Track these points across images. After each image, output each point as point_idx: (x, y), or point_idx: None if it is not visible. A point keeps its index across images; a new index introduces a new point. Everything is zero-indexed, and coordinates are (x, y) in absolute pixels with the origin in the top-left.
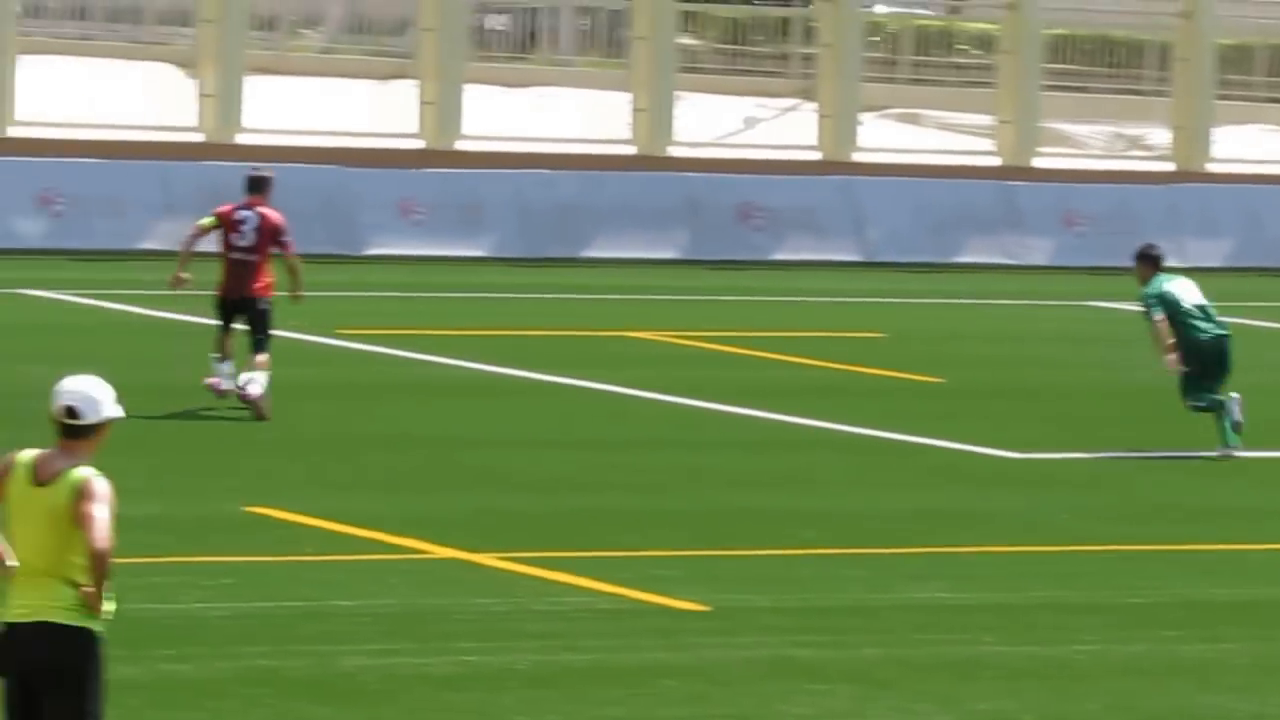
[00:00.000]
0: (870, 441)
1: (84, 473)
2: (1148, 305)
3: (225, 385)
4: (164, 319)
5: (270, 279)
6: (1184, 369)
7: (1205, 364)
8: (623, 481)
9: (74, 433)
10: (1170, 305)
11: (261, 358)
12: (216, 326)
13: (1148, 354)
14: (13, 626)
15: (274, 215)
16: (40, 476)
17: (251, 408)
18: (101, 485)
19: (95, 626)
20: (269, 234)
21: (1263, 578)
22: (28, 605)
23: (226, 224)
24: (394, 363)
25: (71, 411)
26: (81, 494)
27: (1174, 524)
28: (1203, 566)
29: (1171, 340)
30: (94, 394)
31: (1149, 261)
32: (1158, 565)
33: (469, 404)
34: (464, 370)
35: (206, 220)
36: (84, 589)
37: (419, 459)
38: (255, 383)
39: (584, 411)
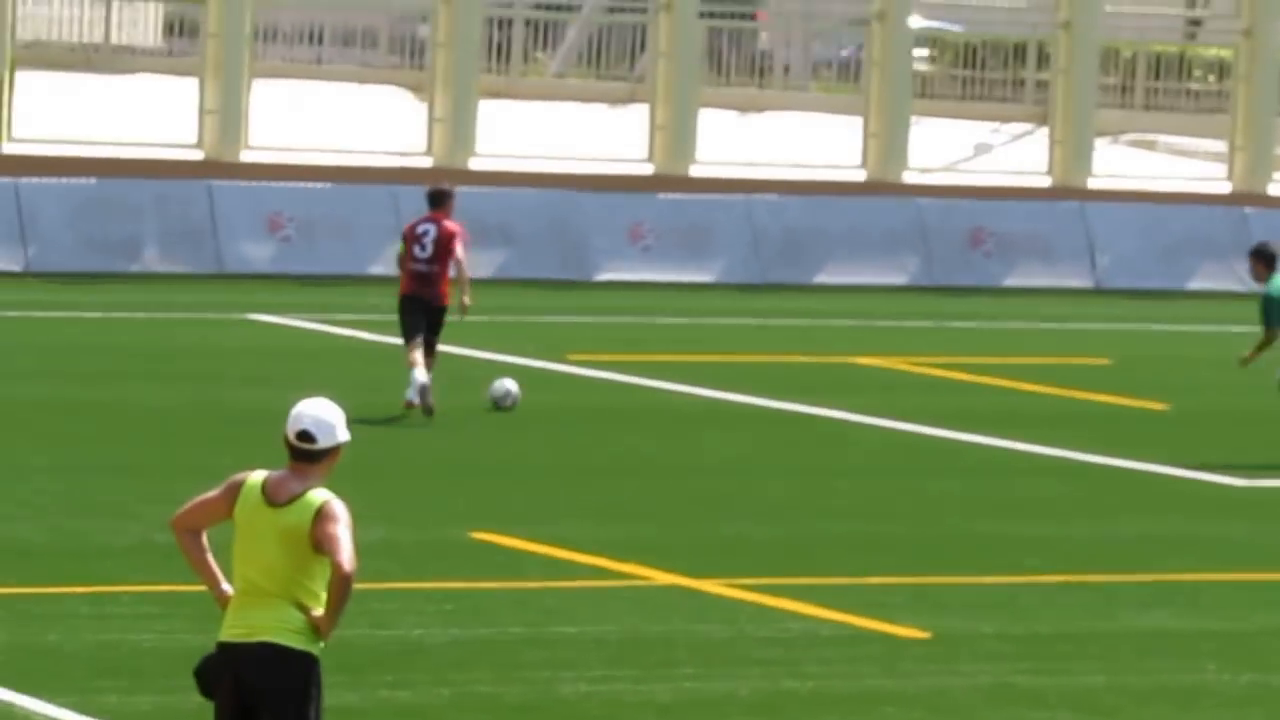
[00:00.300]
0: (1095, 468)
1: (322, 495)
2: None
3: (422, 377)
4: (390, 344)
5: (449, 289)
6: None
7: None
8: (846, 508)
9: (308, 456)
10: None
11: (431, 361)
12: (403, 339)
13: None
14: (230, 646)
15: (450, 226)
16: (275, 498)
17: (425, 409)
18: (341, 508)
19: (316, 651)
20: (446, 244)
21: None
22: (249, 625)
23: (410, 239)
24: (622, 388)
25: (306, 435)
26: (322, 516)
27: None
28: None
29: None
30: (328, 418)
31: (1264, 260)
32: None
33: (695, 430)
34: (691, 396)
35: (401, 247)
36: (314, 614)
37: (643, 485)
38: (423, 388)
39: (809, 437)
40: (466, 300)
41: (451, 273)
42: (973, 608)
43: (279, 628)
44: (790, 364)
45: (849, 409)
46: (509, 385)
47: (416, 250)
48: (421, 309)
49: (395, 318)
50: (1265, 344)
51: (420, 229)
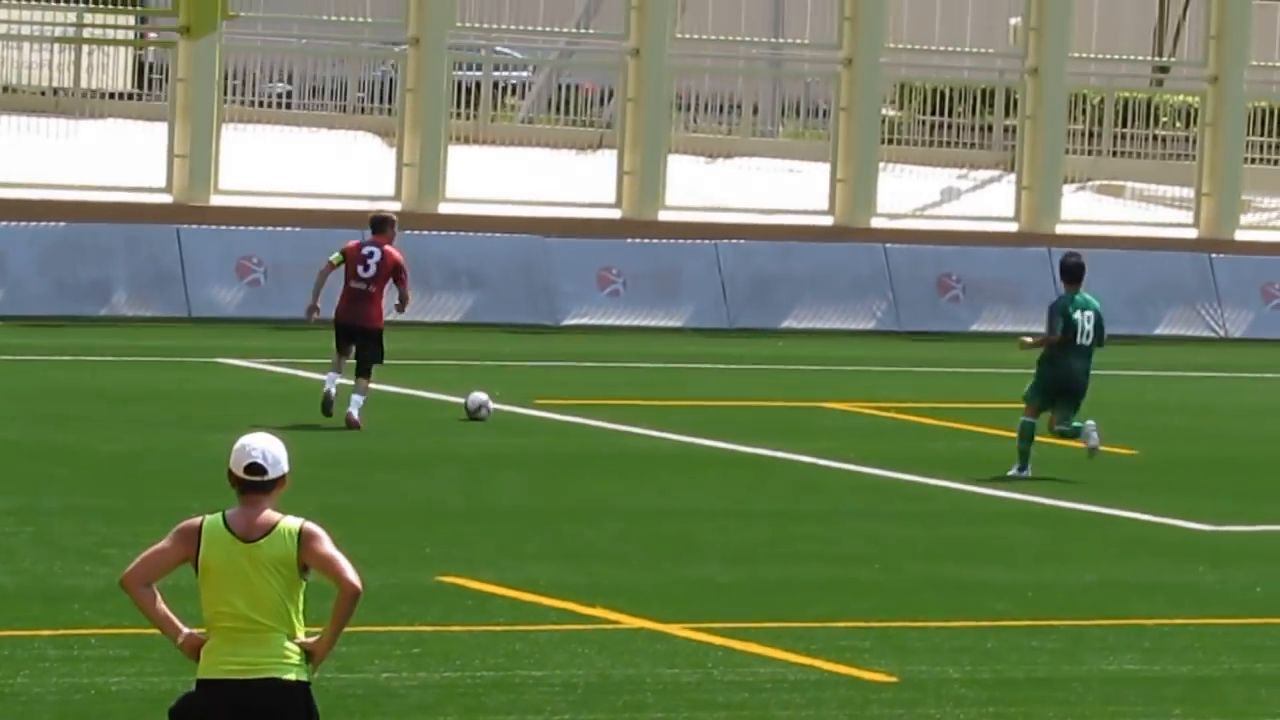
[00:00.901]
0: (1063, 513)
1: (295, 520)
2: None
3: (331, 389)
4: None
5: (383, 310)
6: None
7: None
8: (814, 552)
9: (259, 488)
10: None
11: (365, 382)
12: (335, 349)
13: None
14: (229, 684)
15: (394, 253)
16: (249, 534)
17: (349, 424)
18: (318, 527)
19: (310, 679)
20: (389, 269)
21: None
22: (248, 662)
23: (354, 258)
24: (590, 433)
25: (257, 468)
26: (309, 539)
27: None
28: None
29: None
30: (273, 450)
31: (1064, 273)
32: None
33: (663, 474)
34: (659, 440)
35: (335, 257)
36: (303, 641)
37: (612, 529)
38: (355, 405)
39: (777, 482)
40: (404, 310)
41: (389, 297)
42: (940, 652)
43: (281, 663)
44: (758, 408)
45: (816, 453)
46: (483, 396)
47: (360, 269)
48: (356, 333)
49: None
50: (1045, 341)
51: (366, 250)
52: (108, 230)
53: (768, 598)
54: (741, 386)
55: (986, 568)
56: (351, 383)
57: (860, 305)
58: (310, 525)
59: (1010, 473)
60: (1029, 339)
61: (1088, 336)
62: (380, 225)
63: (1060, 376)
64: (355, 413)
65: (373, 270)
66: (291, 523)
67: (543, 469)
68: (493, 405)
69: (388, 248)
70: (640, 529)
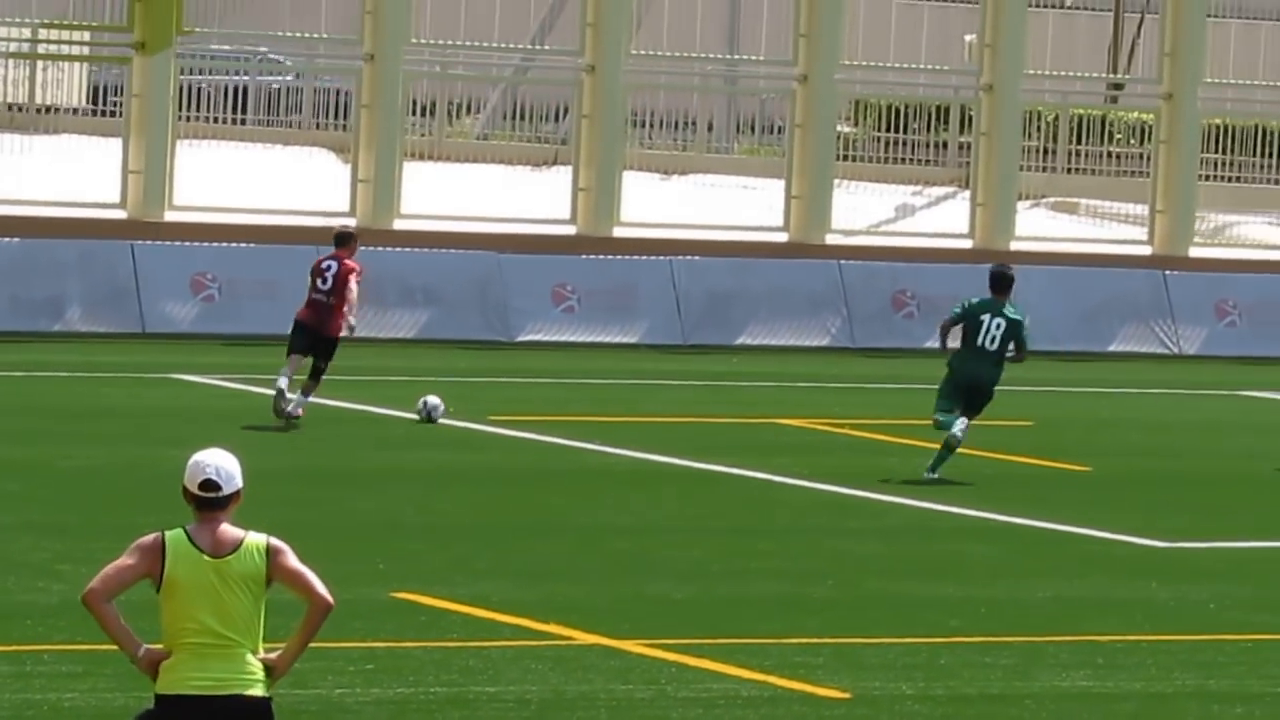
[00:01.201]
0: (1016, 529)
1: (261, 536)
2: None
3: (284, 383)
4: (316, 404)
5: (341, 323)
6: None
7: None
8: (768, 568)
9: (214, 504)
10: None
11: (314, 385)
12: (289, 350)
13: None
14: (197, 699)
15: (350, 263)
16: (216, 551)
17: (289, 422)
18: (283, 542)
19: (270, 693)
20: (344, 281)
21: None
22: (217, 678)
23: (315, 272)
24: (544, 449)
25: (211, 484)
26: (277, 555)
27: None
28: None
29: None
30: (227, 465)
31: (992, 282)
32: None
33: (618, 491)
34: (614, 457)
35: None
36: (265, 656)
37: (566, 545)
38: (299, 405)
39: (732, 498)
40: (352, 320)
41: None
42: (894, 668)
43: (248, 679)
44: (712, 425)
45: (771, 470)
46: (435, 399)
47: (319, 283)
48: (311, 335)
49: (323, 377)
50: (942, 329)
51: (325, 264)
52: (62, 246)
53: (721, 614)
54: (696, 403)
55: (940, 584)
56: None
57: (815, 322)
58: (275, 540)
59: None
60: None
61: (993, 342)
62: (342, 240)
63: (958, 378)
64: (297, 409)
65: (330, 283)
66: (257, 538)
67: (497, 485)
68: (444, 408)
69: (346, 260)
70: (594, 545)
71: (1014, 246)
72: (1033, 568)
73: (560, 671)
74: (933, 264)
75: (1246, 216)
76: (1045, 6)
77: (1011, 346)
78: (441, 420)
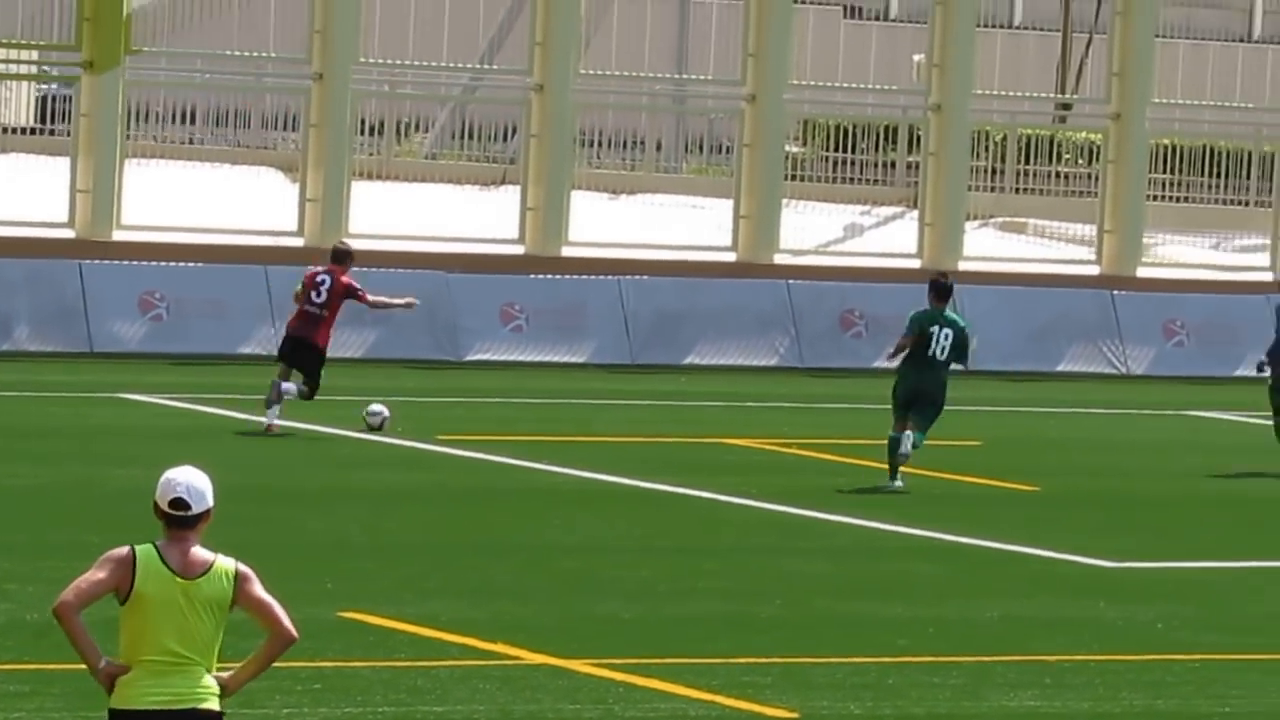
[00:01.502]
0: (965, 549)
1: (229, 561)
2: None
3: (288, 392)
4: (261, 423)
5: (330, 334)
6: None
7: None
8: (716, 588)
9: (184, 523)
10: None
11: (304, 391)
12: (279, 363)
13: (1245, 463)
14: (154, 714)
15: (345, 278)
16: (186, 571)
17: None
18: (251, 570)
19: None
20: (339, 294)
21: None
22: (175, 694)
23: (309, 284)
24: (493, 468)
25: (181, 503)
26: (245, 582)
27: (1269, 634)
28: None
29: None
30: (198, 484)
31: (933, 290)
32: (1251, 675)
33: (566, 510)
34: (563, 476)
35: (298, 287)
36: (220, 676)
37: (514, 564)
38: (286, 390)
39: (680, 517)
40: (408, 300)
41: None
42: (841, 688)
43: (205, 695)
44: (660, 444)
45: (719, 489)
46: (381, 407)
47: (312, 294)
48: (301, 346)
49: (265, 396)
50: (899, 347)
51: (320, 277)
52: (9, 265)
53: (669, 633)
54: (644, 423)
55: (888, 604)
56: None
57: (763, 341)
58: (244, 567)
59: (881, 485)
60: (891, 349)
61: (943, 351)
62: (339, 256)
63: (910, 388)
64: (276, 415)
65: (324, 296)
66: (226, 563)
67: (445, 504)
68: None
69: (341, 276)
70: (542, 565)
71: (962, 266)
72: (981, 587)
73: (508, 691)
74: (881, 284)
75: (1195, 237)
76: (993, 27)
77: (957, 356)
78: (391, 440)
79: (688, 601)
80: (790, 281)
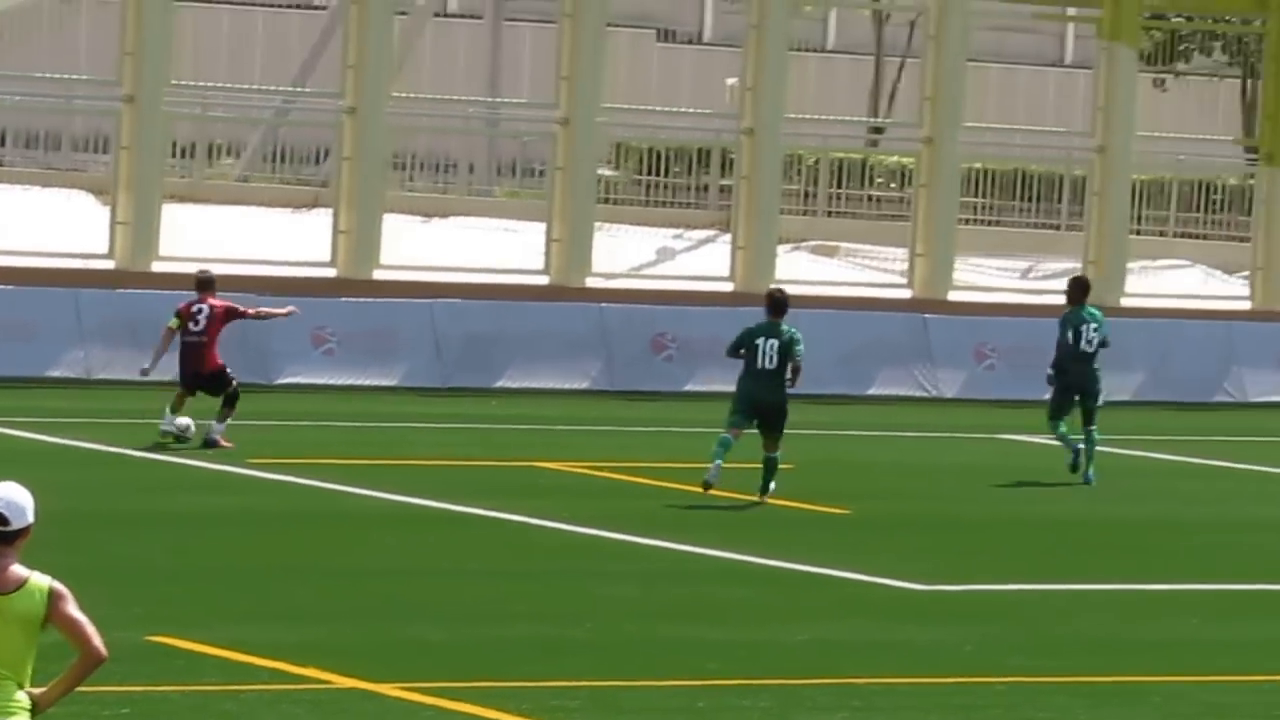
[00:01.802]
0: (775, 572)
1: (45, 579)
2: None
3: (172, 428)
4: (72, 447)
5: (217, 354)
6: None
7: None
8: (527, 611)
9: (3, 539)
10: None
11: (229, 411)
12: (179, 390)
13: (1054, 486)
14: None
15: (220, 303)
16: (3, 586)
17: (216, 446)
18: (65, 588)
19: None
20: (219, 319)
21: (1163, 711)
22: None
23: (185, 315)
24: (303, 492)
25: (1, 518)
26: (58, 599)
27: (1075, 656)
28: (1102, 698)
29: None
30: (18, 499)
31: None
32: (1059, 697)
33: (376, 534)
34: (373, 500)
35: (173, 322)
36: (31, 692)
37: (323, 587)
38: (217, 430)
39: (491, 541)
40: (289, 309)
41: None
42: (651, 711)
43: (15, 709)
44: (472, 468)
45: (531, 513)
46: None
47: (191, 325)
48: (201, 377)
49: (79, 420)
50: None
51: (195, 307)
52: None
53: (479, 657)
54: (455, 446)
55: (699, 627)
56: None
57: (575, 365)
58: (58, 585)
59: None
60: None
61: (771, 361)
62: (205, 284)
63: (743, 397)
64: (219, 437)
65: (203, 324)
66: (41, 580)
67: (255, 528)
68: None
69: (213, 301)
70: (352, 588)
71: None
72: (791, 610)
73: (317, 715)
74: (693, 306)
75: (1006, 260)
76: (807, 51)
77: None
78: (200, 463)
79: (498, 625)
80: (602, 305)
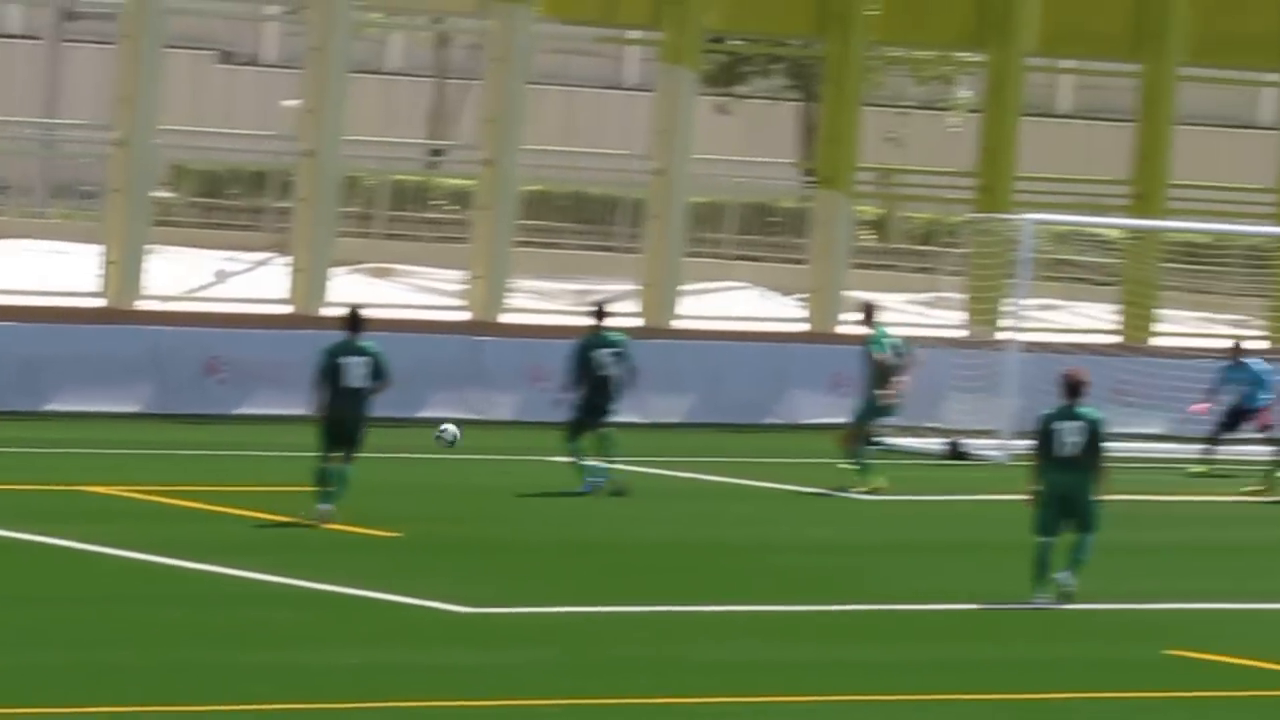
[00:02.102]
0: (324, 596)
1: None
2: None
3: None
4: None
5: None
6: None
7: None
8: (71, 637)
9: None
10: None
11: None
12: None
13: (613, 507)
14: None
15: None
16: None
17: None
18: None
19: None
20: None
21: None
22: None
23: None
24: None
25: None
26: None
27: (625, 677)
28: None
29: None
30: None
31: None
32: (612, 719)
33: None
34: None
35: None
36: None
37: None
38: None
39: (35, 566)
40: None
41: None
42: None
43: None
44: (18, 492)
45: (79, 538)
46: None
47: None
48: None
49: None
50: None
51: None
52: None
53: (19, 683)
54: (5, 470)
55: (249, 651)
56: None
57: (127, 388)
58: None
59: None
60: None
61: (355, 380)
62: None
63: (332, 417)
64: None
65: None
66: None
67: None
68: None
69: None
70: None
71: (327, 312)
72: (341, 634)
73: None
74: (249, 329)
75: (564, 283)
76: (367, 73)
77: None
78: None
79: (41, 651)
80: (156, 328)
